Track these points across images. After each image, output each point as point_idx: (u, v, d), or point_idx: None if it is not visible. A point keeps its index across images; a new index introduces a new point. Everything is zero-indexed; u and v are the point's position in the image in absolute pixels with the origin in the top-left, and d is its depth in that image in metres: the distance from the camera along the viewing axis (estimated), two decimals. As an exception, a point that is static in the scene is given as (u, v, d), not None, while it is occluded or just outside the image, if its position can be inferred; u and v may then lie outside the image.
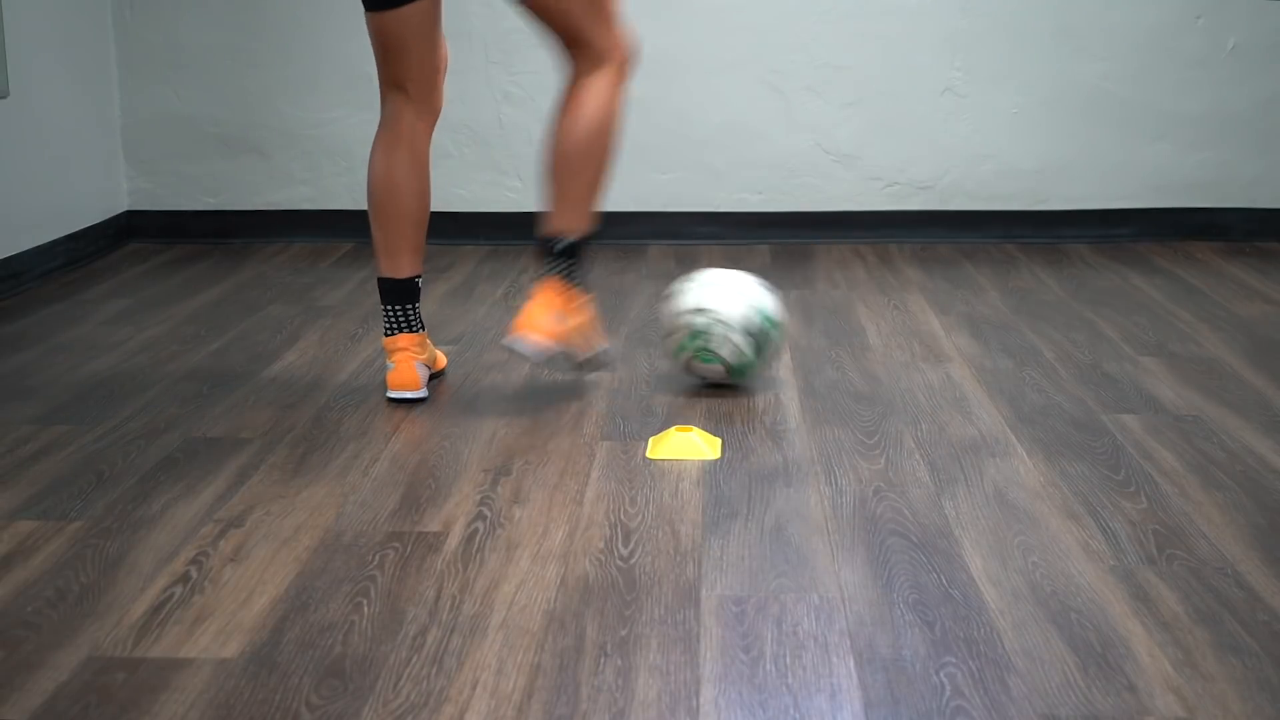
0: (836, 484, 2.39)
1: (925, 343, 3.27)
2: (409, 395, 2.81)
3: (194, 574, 2.05)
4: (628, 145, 4.45)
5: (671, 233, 4.48)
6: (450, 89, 4.43)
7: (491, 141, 4.46)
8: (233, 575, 2.04)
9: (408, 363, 2.81)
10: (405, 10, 2.67)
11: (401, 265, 2.81)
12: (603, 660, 1.78)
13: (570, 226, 2.79)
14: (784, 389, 2.92)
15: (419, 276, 2.84)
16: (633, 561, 2.08)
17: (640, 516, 2.25)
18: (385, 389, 2.87)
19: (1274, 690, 1.71)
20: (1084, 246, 4.37)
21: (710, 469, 2.46)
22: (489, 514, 2.27)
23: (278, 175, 4.50)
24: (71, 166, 4.19)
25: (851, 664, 1.77)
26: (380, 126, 2.80)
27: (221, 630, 1.87)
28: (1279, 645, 1.82)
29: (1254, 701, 1.68)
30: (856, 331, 3.38)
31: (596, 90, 2.74)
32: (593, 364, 2.92)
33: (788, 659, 1.79)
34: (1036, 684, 1.72)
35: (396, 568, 2.06)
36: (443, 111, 4.44)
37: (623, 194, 4.48)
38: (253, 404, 2.84)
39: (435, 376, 2.99)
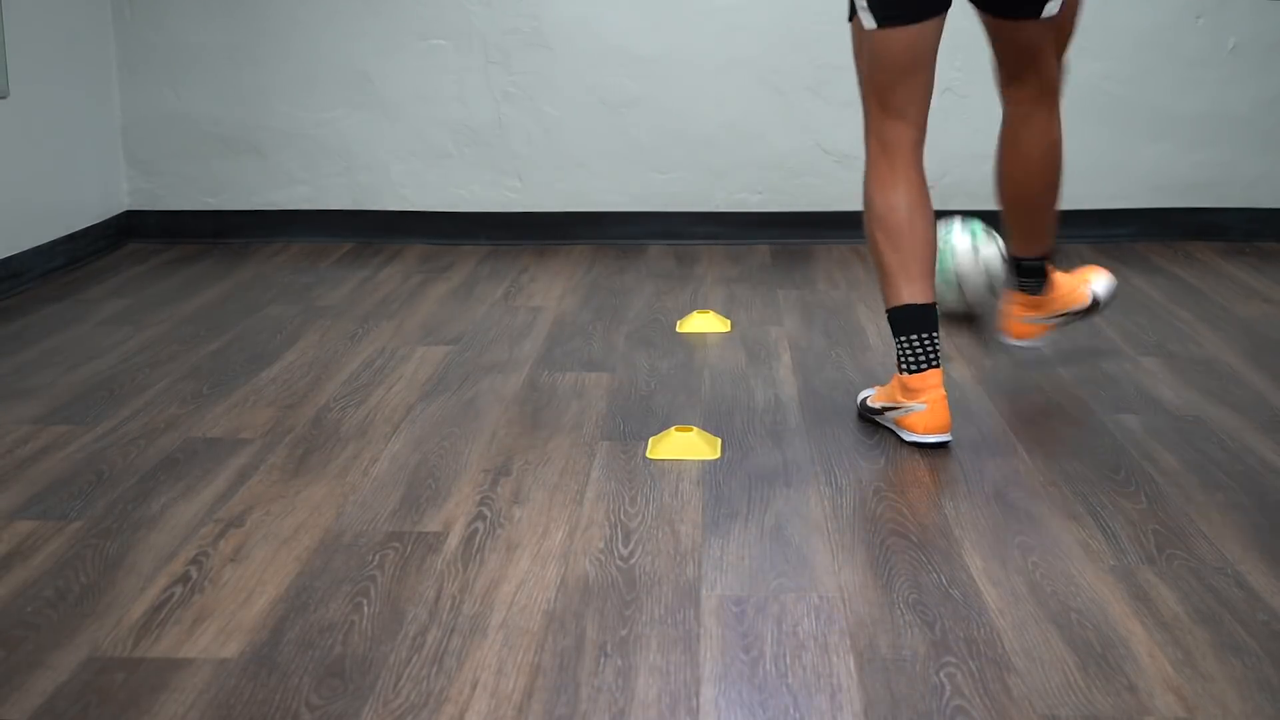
0: (836, 484, 2.39)
1: (925, 343, 3.27)
2: (935, 439, 2.54)
3: (194, 574, 2.05)
4: (628, 145, 4.45)
5: (671, 233, 4.48)
6: (450, 89, 4.43)
7: (491, 141, 4.46)
8: (233, 575, 2.04)
9: (942, 403, 2.54)
10: (926, 25, 2.50)
11: (927, 290, 2.56)
12: (603, 660, 1.78)
13: (1040, 250, 2.97)
14: (784, 389, 2.92)
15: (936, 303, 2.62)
16: (633, 561, 2.08)
17: (640, 516, 2.25)
18: (899, 430, 2.58)
19: (1274, 690, 1.71)
20: (1084, 246, 4.37)
21: (710, 469, 2.46)
22: (489, 514, 2.27)
23: (277, 175, 4.50)
24: (71, 166, 4.19)
25: (851, 664, 1.77)
26: (879, 156, 2.62)
27: (221, 630, 1.87)
28: (1279, 645, 1.82)
29: (1254, 701, 1.68)
30: (856, 331, 3.38)
31: (1047, 124, 2.80)
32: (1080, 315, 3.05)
33: (788, 659, 1.79)
34: (1036, 684, 1.72)
35: (396, 568, 2.06)
36: (443, 112, 4.46)
37: (623, 194, 4.48)
38: (253, 404, 2.84)
39: None
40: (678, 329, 3.41)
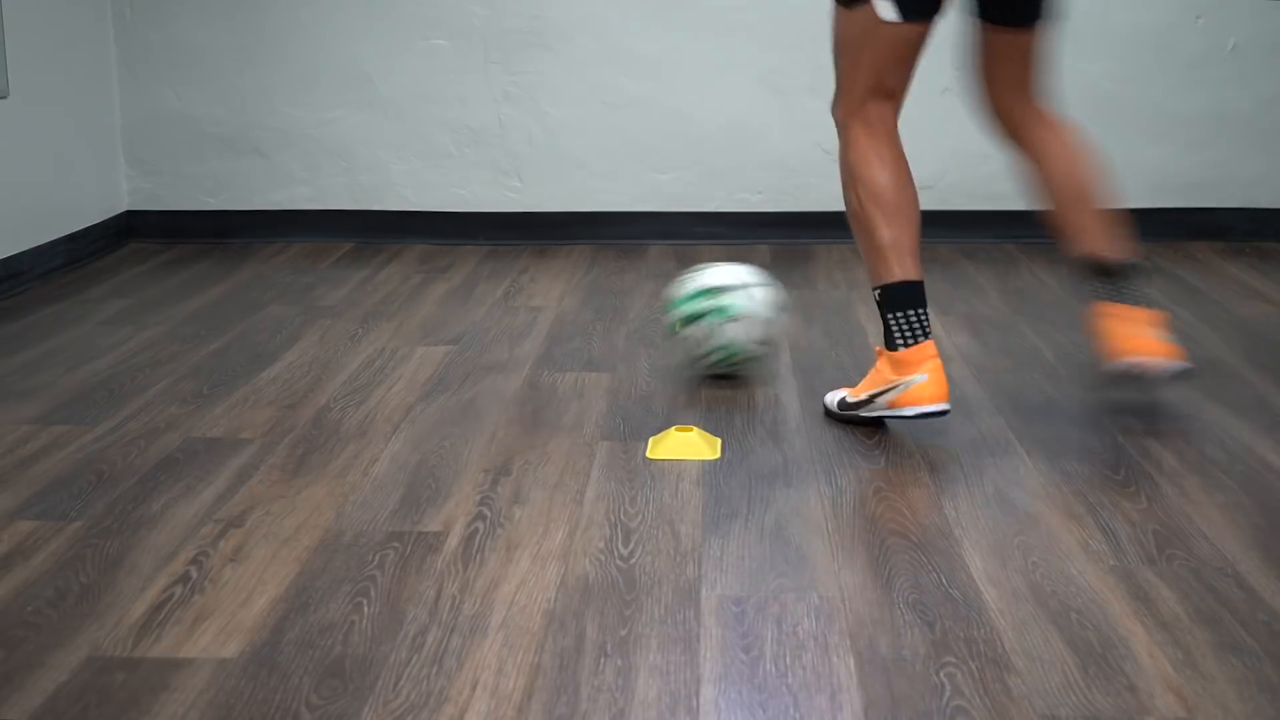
0: (836, 484, 2.39)
1: (925, 343, 3.27)
2: (939, 408, 2.56)
3: (194, 574, 2.05)
4: (628, 145, 4.45)
5: (671, 233, 4.48)
6: (450, 89, 4.43)
7: (491, 141, 4.46)
8: (233, 575, 2.04)
9: (941, 372, 2.58)
10: (931, 23, 2.59)
11: (918, 266, 2.65)
12: (603, 660, 1.78)
13: (1122, 248, 2.76)
14: (784, 389, 2.92)
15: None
16: (633, 561, 2.08)
17: (640, 516, 2.25)
18: (898, 410, 2.58)
19: (1274, 690, 1.71)
20: (1084, 246, 4.37)
21: (710, 469, 2.46)
22: (489, 514, 2.27)
23: (278, 175, 4.50)
24: (71, 166, 4.19)
25: (851, 664, 1.77)
26: (866, 134, 2.65)
27: (221, 630, 1.87)
28: (1279, 645, 1.82)
29: (1254, 701, 1.68)
30: (856, 331, 3.38)
31: (1064, 126, 2.78)
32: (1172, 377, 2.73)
33: (788, 659, 1.79)
34: (1036, 684, 1.72)
35: (396, 568, 2.06)
36: (443, 112, 4.46)
37: (623, 194, 4.48)
38: (253, 404, 2.84)
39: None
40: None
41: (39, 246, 3.94)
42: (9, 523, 2.24)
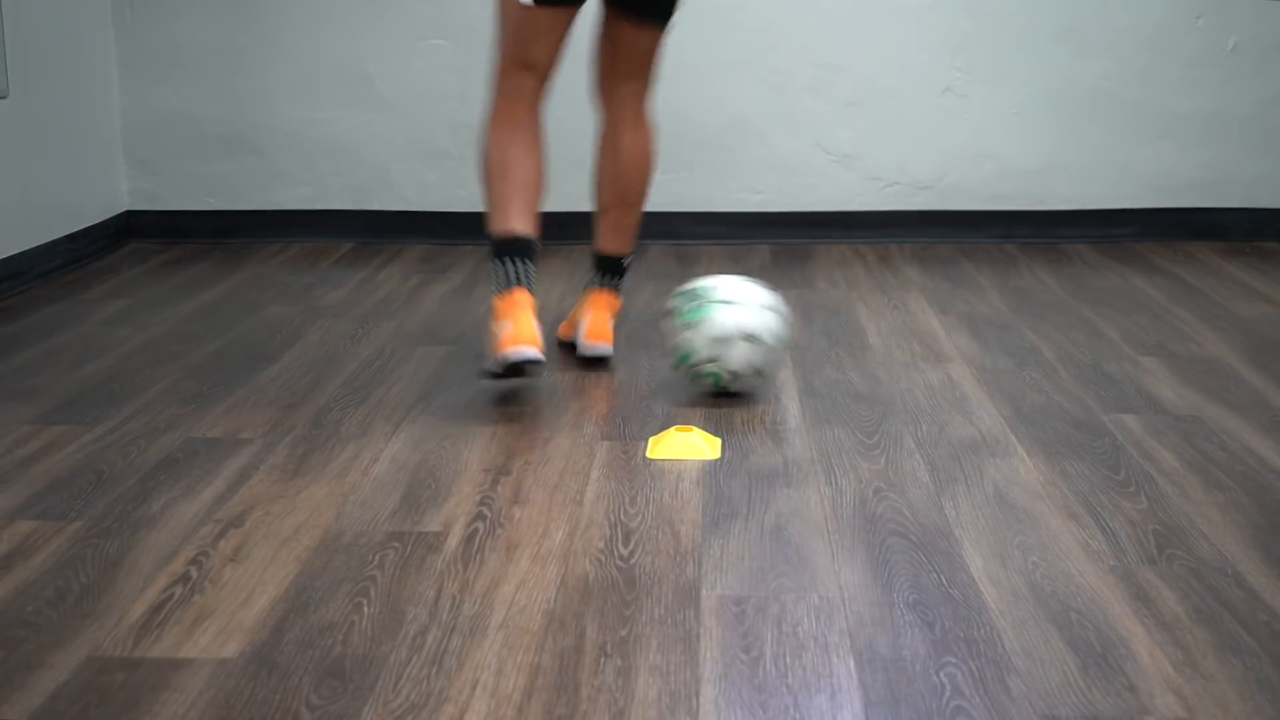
0: (836, 484, 2.39)
1: (925, 343, 3.27)
2: (522, 355, 2.69)
3: (194, 574, 2.05)
4: (628, 145, 4.44)
5: (671, 233, 4.48)
6: (450, 89, 4.43)
7: (491, 141, 4.45)
8: (233, 575, 2.04)
9: (527, 320, 2.72)
10: (568, 9, 2.85)
11: (528, 224, 2.87)
12: (603, 660, 1.78)
13: (632, 246, 3.19)
14: (784, 389, 2.92)
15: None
16: (633, 561, 2.08)
17: (640, 516, 2.25)
18: (495, 359, 2.74)
19: (1274, 690, 1.71)
20: (1084, 246, 4.37)
21: (710, 469, 2.46)
22: (489, 514, 2.27)
23: (278, 175, 4.50)
24: (71, 166, 4.19)
25: (851, 664, 1.77)
26: (505, 100, 2.91)
27: (221, 630, 1.87)
28: (1279, 645, 1.82)
29: (1254, 701, 1.68)
30: (856, 331, 3.38)
31: (649, 127, 3.09)
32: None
33: (788, 659, 1.79)
34: (1036, 684, 1.72)
35: (396, 568, 2.06)
36: (443, 112, 4.46)
37: (623, 194, 4.47)
38: (253, 404, 2.84)
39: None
40: (678, 329, 3.41)
41: (39, 246, 3.94)
42: (9, 523, 2.24)
